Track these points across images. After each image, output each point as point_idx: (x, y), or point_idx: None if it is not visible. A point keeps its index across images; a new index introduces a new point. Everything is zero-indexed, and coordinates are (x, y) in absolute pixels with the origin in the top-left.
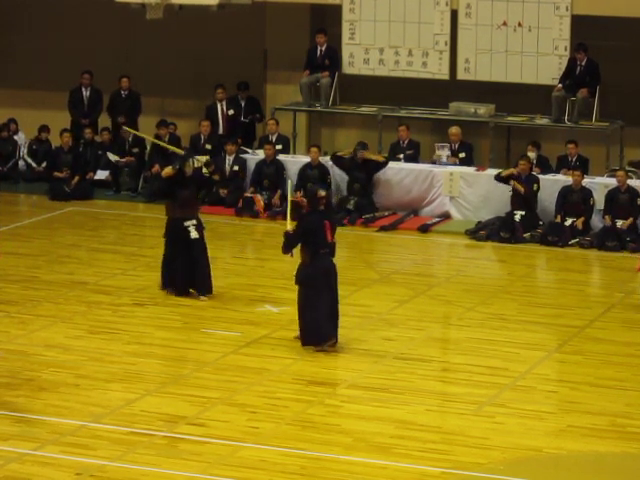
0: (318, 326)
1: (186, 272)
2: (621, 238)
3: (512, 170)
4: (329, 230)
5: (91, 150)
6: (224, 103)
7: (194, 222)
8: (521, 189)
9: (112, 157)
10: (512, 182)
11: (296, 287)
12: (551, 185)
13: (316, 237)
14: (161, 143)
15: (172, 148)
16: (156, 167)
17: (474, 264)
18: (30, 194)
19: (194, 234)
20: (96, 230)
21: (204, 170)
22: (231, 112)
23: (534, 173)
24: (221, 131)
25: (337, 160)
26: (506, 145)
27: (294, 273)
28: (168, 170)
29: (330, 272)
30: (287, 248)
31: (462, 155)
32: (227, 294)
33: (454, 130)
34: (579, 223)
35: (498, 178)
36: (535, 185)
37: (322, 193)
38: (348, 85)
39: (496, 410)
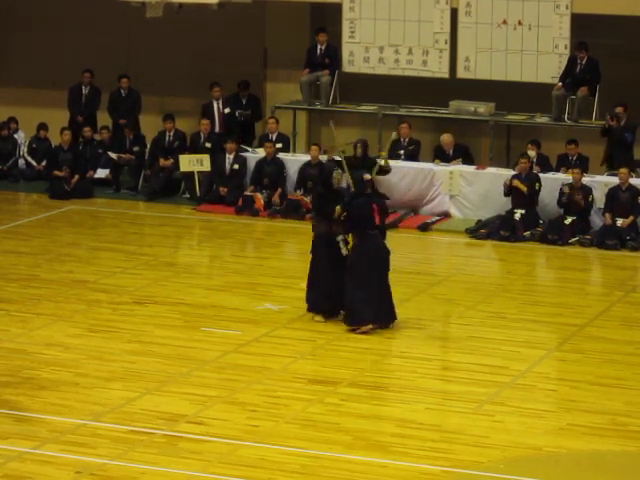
0: (356, 309)
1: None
2: (621, 236)
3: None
4: (377, 213)
5: (91, 148)
6: (220, 101)
7: (342, 237)
8: (524, 188)
9: (113, 156)
10: (514, 181)
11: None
12: (551, 184)
13: (364, 220)
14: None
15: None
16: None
17: (474, 262)
18: (30, 193)
19: (344, 251)
20: (96, 229)
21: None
22: (227, 110)
23: (534, 172)
24: (217, 129)
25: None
26: (506, 144)
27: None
28: (339, 211)
29: (379, 253)
30: (346, 232)
31: (459, 160)
32: (227, 292)
33: (446, 139)
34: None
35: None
36: (537, 184)
37: (367, 177)
38: (348, 83)
39: (496, 409)
